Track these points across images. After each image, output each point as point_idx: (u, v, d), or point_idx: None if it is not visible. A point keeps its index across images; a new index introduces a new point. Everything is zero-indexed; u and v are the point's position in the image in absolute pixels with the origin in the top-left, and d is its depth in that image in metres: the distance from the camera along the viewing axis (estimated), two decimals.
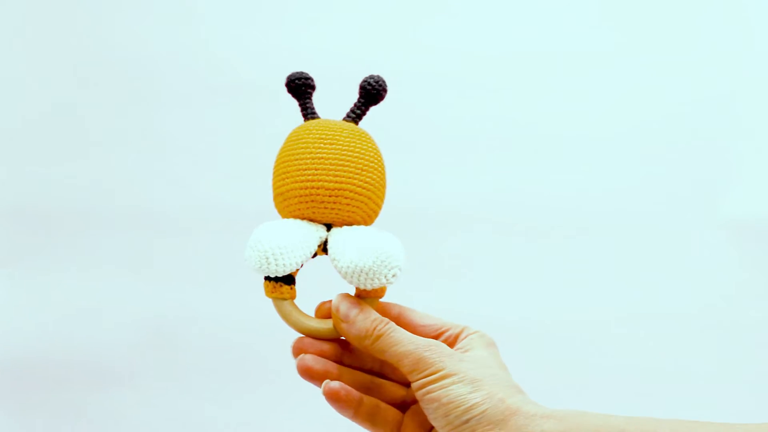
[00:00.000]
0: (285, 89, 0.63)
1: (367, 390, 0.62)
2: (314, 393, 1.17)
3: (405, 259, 0.58)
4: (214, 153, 1.23)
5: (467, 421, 0.54)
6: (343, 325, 0.59)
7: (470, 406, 0.54)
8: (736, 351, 1.18)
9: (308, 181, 0.59)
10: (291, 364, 1.18)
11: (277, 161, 0.61)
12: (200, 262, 1.22)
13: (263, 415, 1.20)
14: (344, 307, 0.59)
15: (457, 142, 1.22)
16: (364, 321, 0.58)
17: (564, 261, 1.20)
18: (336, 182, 0.59)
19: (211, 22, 1.24)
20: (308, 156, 0.59)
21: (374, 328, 0.57)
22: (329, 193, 0.59)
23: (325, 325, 0.61)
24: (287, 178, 0.60)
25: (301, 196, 0.59)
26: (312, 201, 0.59)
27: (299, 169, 0.59)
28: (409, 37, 1.22)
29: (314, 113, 0.63)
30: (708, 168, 1.21)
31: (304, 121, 0.63)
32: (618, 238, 1.20)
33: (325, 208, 0.59)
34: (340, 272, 0.59)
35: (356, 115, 0.63)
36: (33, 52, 1.24)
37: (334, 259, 0.59)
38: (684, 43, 1.22)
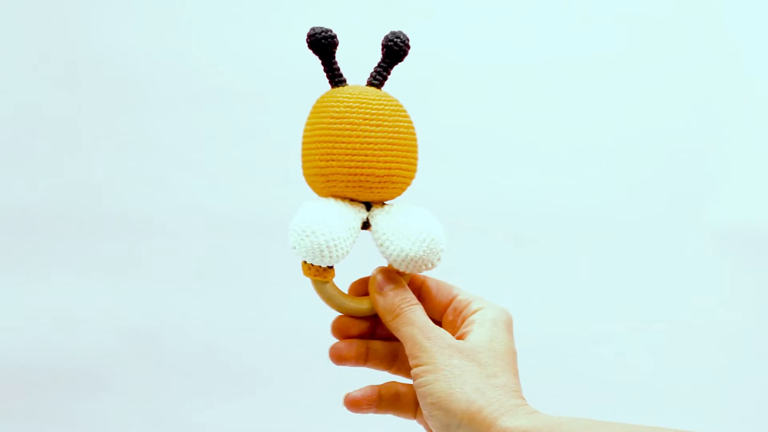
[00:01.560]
0: (306, 46, 0.60)
1: (394, 358, 0.61)
2: (301, 397, 1.17)
3: (446, 238, 0.58)
4: (200, 157, 1.22)
5: (447, 426, 0.54)
6: (377, 296, 0.58)
7: (448, 411, 0.53)
8: (724, 357, 1.18)
9: (358, 167, 0.57)
10: (277, 368, 1.19)
11: (315, 138, 0.58)
12: (186, 266, 1.21)
13: (250, 420, 1.19)
14: (380, 279, 0.58)
15: (447, 148, 1.22)
16: (394, 296, 0.57)
17: (550, 269, 1.20)
18: (386, 168, 0.57)
19: (198, 26, 1.23)
20: (357, 140, 0.57)
21: (399, 306, 0.57)
22: (379, 180, 0.57)
23: (362, 305, 0.60)
24: (332, 161, 0.57)
25: (348, 180, 0.57)
26: (360, 186, 0.57)
27: (347, 154, 0.57)
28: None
29: (342, 77, 0.60)
30: (693, 175, 1.21)
31: (331, 86, 0.60)
32: (604, 246, 1.20)
33: (371, 191, 0.58)
34: (388, 259, 0.58)
35: (382, 77, 0.60)
36: (20, 56, 1.23)
37: (382, 245, 0.57)
38: (669, 53, 1.22)
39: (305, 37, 0.59)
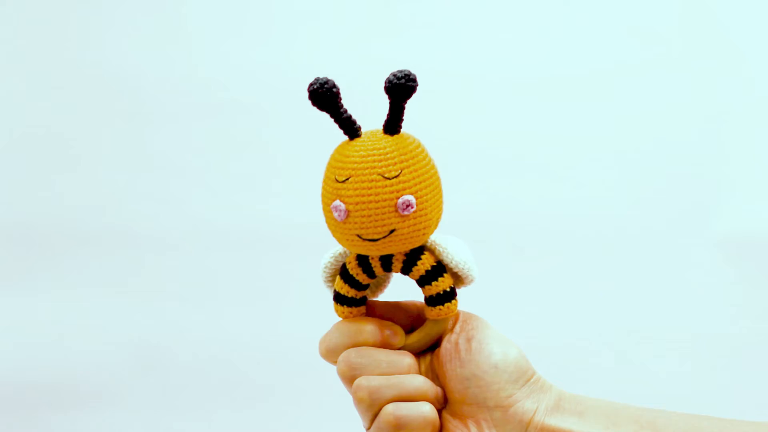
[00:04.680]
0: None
1: None
2: (301, 410, 1.17)
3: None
4: (201, 171, 1.23)
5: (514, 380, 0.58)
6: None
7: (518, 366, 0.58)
8: (732, 368, 1.18)
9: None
10: (279, 382, 1.19)
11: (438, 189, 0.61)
12: (187, 280, 1.21)
13: None
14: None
15: (462, 158, 1.22)
16: None
17: (555, 280, 1.20)
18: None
19: (199, 40, 1.24)
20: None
21: None
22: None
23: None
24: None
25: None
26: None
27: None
28: (395, 53, 1.22)
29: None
30: (700, 185, 1.21)
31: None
32: (611, 257, 1.20)
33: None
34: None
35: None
36: (20, 70, 1.24)
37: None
38: (674, 63, 1.22)
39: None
